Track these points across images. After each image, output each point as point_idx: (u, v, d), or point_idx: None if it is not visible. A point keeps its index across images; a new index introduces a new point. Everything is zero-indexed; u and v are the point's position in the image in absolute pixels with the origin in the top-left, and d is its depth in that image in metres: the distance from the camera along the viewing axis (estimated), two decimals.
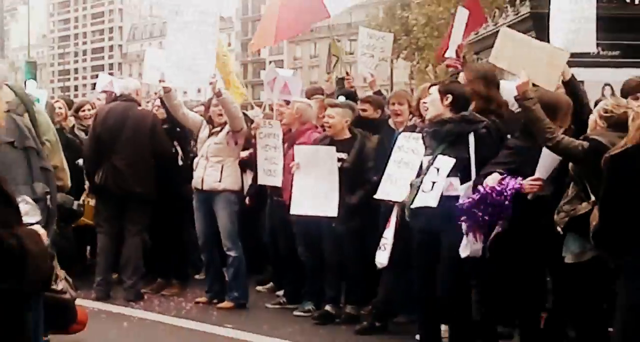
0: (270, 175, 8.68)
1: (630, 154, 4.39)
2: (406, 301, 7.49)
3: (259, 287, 9.98)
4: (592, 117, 5.59)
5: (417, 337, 6.93)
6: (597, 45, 7.71)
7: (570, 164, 5.55)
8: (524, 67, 6.03)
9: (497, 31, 13.11)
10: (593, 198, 5.15)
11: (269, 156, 8.68)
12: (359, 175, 7.98)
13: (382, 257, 7.00)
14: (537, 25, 10.85)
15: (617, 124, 4.93)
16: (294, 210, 8.13)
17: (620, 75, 9.09)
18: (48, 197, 3.97)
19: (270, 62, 68.73)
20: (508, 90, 6.29)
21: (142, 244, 9.40)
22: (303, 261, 8.71)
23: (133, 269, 9.27)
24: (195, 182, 8.98)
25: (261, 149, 8.82)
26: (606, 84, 8.34)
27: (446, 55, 8.30)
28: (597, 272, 5.46)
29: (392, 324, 7.84)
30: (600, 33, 7.36)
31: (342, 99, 8.85)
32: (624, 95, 6.87)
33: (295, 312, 8.73)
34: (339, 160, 8.02)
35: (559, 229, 5.52)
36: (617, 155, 4.46)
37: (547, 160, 5.85)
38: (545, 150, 5.84)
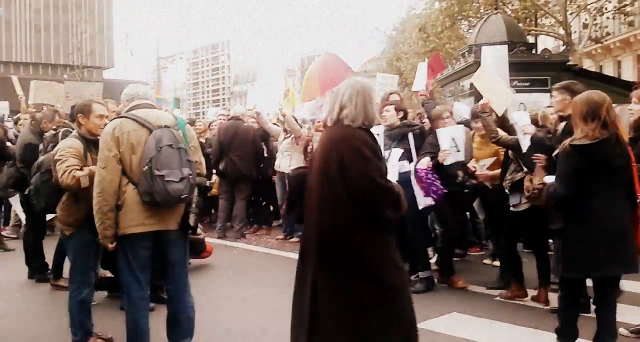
0: None
1: (593, 145, 3.82)
2: None
3: None
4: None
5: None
6: (514, 80, 7.69)
7: (510, 151, 5.60)
8: (489, 93, 5.84)
9: (455, 73, 13.16)
10: (525, 169, 5.26)
11: None
12: None
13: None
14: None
15: (535, 123, 5.23)
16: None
17: (529, 98, 9.12)
18: (190, 177, 3.85)
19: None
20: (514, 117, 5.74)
21: (245, 205, 9.47)
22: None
23: (239, 219, 9.35)
24: (276, 166, 9.15)
25: None
26: (521, 103, 8.31)
27: (416, 89, 8.28)
28: (532, 216, 5.33)
29: None
30: (516, 72, 7.42)
31: None
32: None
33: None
34: None
35: (506, 190, 5.55)
36: (582, 145, 3.84)
37: (443, 138, 5.85)
38: (439, 131, 5.88)
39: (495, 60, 7.10)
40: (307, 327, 3.35)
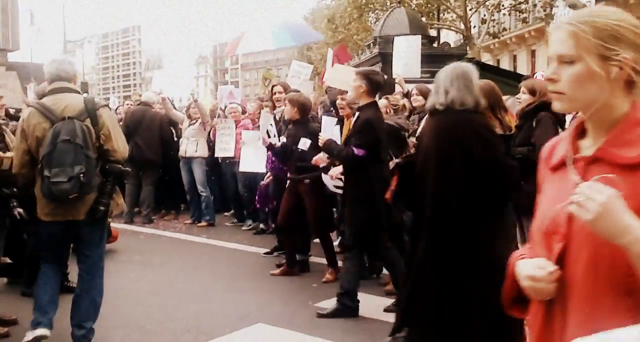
0: (225, 150, 8.70)
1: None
2: None
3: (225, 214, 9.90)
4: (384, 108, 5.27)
5: None
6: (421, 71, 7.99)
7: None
8: (344, 83, 5.92)
9: (361, 63, 13.42)
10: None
11: (224, 140, 8.69)
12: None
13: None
14: (383, 60, 11.16)
15: (396, 110, 4.92)
16: (241, 168, 7.98)
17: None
18: (82, 175, 3.80)
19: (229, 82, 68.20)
20: None
21: (152, 190, 9.36)
22: (243, 195, 8.73)
23: (147, 204, 9.28)
24: (181, 152, 9.03)
25: (219, 136, 8.76)
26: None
27: (324, 80, 8.47)
28: None
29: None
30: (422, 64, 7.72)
31: None
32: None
33: (243, 227, 8.89)
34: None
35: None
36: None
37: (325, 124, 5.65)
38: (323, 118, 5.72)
39: (408, 50, 7.34)
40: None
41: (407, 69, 7.45)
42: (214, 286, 5.77)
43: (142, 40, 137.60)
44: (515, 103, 6.35)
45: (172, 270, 6.42)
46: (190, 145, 8.90)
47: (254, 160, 7.87)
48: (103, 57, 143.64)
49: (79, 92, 4.22)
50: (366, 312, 4.88)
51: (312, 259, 6.50)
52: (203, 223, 9.00)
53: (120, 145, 4.16)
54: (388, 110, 5.79)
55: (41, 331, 4.01)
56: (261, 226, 8.53)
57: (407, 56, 7.47)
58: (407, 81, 7.10)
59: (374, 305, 5.02)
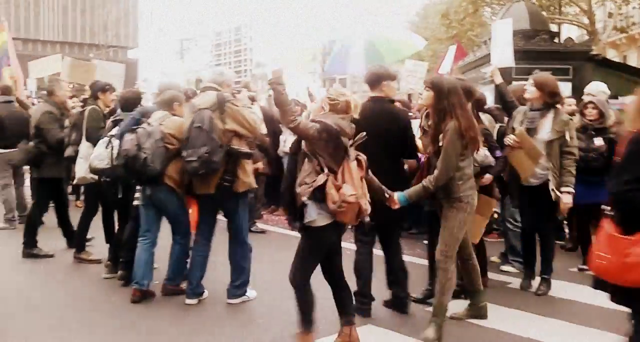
0: None
1: None
2: None
3: None
4: (318, 104, 4.57)
5: None
6: (536, 68, 7.60)
7: (304, 143, 4.03)
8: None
9: (476, 60, 13.06)
10: (326, 170, 3.87)
11: None
12: None
13: None
14: None
15: (340, 108, 4.04)
16: None
17: None
18: (207, 153, 4.92)
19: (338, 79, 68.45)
20: None
21: (263, 185, 9.10)
22: None
23: (257, 199, 9.41)
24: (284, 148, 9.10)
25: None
26: None
27: (443, 71, 8.30)
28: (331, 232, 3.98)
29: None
30: (538, 60, 7.32)
31: None
32: None
33: None
34: None
35: (304, 198, 3.88)
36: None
37: None
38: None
39: (501, 33, 6.99)
40: None
41: (501, 57, 7.08)
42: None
43: (253, 38, 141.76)
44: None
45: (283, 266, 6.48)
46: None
47: None
48: (216, 54, 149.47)
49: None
50: None
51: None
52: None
53: (248, 126, 5.08)
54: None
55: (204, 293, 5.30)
56: None
57: (500, 43, 7.11)
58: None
59: None
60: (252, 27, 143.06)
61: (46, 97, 7.38)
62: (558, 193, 5.28)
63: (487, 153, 5.26)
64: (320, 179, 3.84)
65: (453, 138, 4.27)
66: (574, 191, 5.29)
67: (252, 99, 8.93)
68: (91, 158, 5.77)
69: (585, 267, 6.04)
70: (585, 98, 6.73)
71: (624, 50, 29.08)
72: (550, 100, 5.35)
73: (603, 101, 6.35)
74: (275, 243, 7.61)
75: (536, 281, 5.59)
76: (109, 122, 6.04)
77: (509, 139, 5.37)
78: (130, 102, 6.03)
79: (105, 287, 5.73)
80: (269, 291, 5.46)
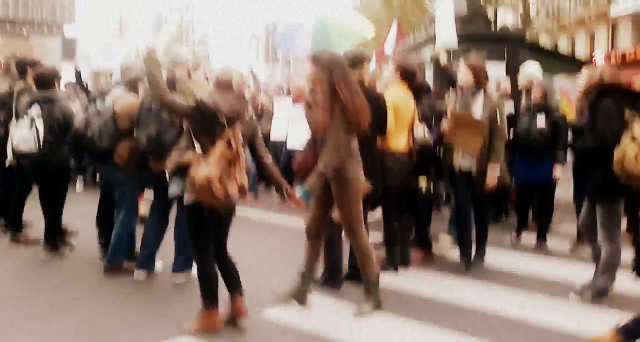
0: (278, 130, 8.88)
1: None
2: None
3: None
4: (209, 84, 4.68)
5: None
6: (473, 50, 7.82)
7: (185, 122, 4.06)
8: None
9: (417, 43, 13.26)
10: (198, 148, 3.87)
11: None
12: None
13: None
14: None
15: (224, 86, 3.94)
16: (290, 145, 8.21)
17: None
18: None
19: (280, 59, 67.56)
20: None
21: None
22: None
23: None
24: None
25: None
26: None
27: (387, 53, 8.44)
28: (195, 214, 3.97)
29: None
30: (475, 42, 7.49)
31: None
32: None
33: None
34: None
35: (167, 174, 4.19)
36: None
37: None
38: None
39: (444, 14, 7.17)
40: None
41: (446, 39, 7.19)
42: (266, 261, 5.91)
43: (194, 19, 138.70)
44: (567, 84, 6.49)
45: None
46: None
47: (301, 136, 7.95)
48: (157, 32, 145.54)
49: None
50: None
51: None
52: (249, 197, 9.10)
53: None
54: None
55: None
56: None
57: (444, 25, 7.25)
58: None
59: None
60: (194, 7, 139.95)
61: None
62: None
63: (426, 132, 5.39)
64: (187, 156, 3.88)
65: (338, 115, 4.17)
66: (498, 170, 5.41)
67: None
68: (15, 141, 5.64)
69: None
70: (525, 79, 6.80)
71: (555, 36, 30.02)
72: (482, 82, 5.48)
73: (548, 82, 6.48)
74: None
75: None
76: (24, 101, 5.85)
77: (446, 122, 5.47)
78: (45, 80, 5.83)
79: (45, 268, 5.65)
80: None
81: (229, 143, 3.78)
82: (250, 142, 4.22)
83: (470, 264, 5.60)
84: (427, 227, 6.04)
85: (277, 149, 9.08)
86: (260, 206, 8.68)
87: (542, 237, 6.45)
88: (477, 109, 5.43)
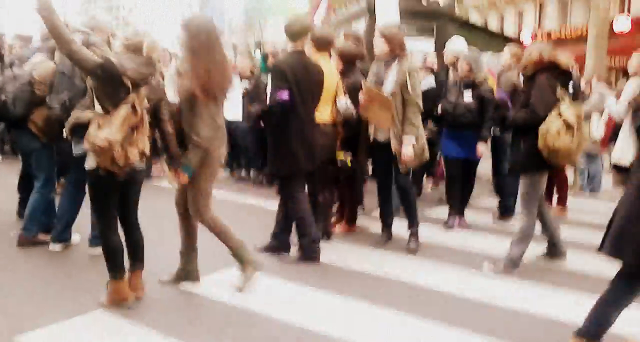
0: None
1: None
2: None
3: None
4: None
5: None
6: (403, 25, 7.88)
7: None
8: None
9: (348, 16, 13.19)
10: (97, 108, 3.72)
11: None
12: (257, 95, 7.78)
13: None
14: (370, 14, 11.00)
15: (132, 48, 3.77)
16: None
17: (415, 44, 9.38)
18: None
19: None
20: None
21: None
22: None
23: None
24: None
25: None
26: None
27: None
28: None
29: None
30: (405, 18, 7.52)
31: None
32: None
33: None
34: (244, 89, 8.08)
35: (65, 133, 4.06)
36: None
37: None
38: None
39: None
40: None
41: (386, 17, 7.21)
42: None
43: None
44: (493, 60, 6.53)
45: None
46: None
47: (229, 108, 7.86)
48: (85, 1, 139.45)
49: None
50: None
51: None
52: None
53: None
54: None
55: None
56: (242, 173, 8.66)
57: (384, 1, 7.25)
58: None
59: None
60: None
61: None
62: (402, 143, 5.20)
63: (349, 103, 5.31)
64: (84, 116, 3.77)
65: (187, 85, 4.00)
66: (414, 142, 5.18)
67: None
68: None
69: (451, 223, 6.35)
70: (451, 54, 6.81)
71: (485, 13, 30.59)
72: (399, 52, 5.26)
73: (475, 56, 6.27)
74: None
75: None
76: None
77: (360, 96, 5.31)
78: None
79: None
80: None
81: (133, 107, 3.62)
82: (155, 109, 3.99)
83: (390, 236, 5.70)
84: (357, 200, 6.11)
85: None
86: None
87: (461, 212, 6.51)
88: (390, 80, 5.25)
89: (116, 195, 3.87)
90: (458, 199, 6.42)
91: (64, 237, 5.10)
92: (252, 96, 7.96)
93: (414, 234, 5.52)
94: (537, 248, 5.17)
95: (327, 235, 5.62)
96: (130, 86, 3.66)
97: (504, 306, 4.18)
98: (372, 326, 3.80)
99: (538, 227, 5.04)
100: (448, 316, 3.95)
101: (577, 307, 3.71)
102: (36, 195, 5.21)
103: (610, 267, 3.34)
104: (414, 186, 6.08)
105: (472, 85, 6.12)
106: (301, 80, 4.83)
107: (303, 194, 5.11)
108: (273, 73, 4.89)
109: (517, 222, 5.10)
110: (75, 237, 5.20)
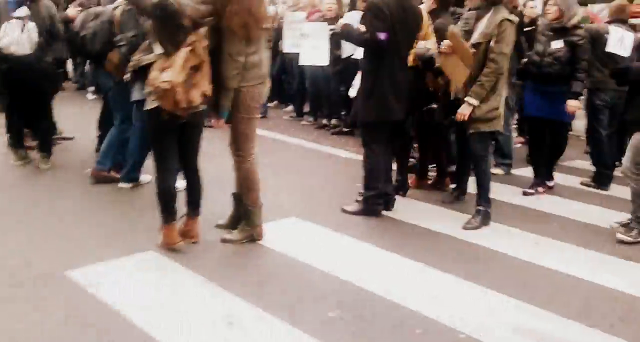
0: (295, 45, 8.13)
1: None
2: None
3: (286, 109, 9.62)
4: None
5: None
6: None
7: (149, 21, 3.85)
8: None
9: None
10: (159, 50, 3.63)
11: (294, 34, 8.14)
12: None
13: (352, 92, 5.68)
14: None
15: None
16: (302, 61, 7.91)
17: None
18: None
19: None
20: None
21: None
22: (309, 92, 8.54)
23: None
24: None
25: (287, 30, 8.32)
26: None
27: None
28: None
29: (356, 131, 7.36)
30: None
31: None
32: None
33: (302, 123, 8.74)
34: (331, 30, 7.50)
35: (126, 76, 4.11)
36: None
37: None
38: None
39: None
40: None
41: None
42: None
43: None
44: None
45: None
46: None
47: (315, 52, 7.61)
48: None
49: None
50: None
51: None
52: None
53: None
54: None
55: None
56: (323, 121, 8.42)
57: None
58: None
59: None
60: None
61: None
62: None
63: (429, 45, 4.87)
64: (146, 58, 3.63)
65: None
66: (476, 103, 4.46)
67: None
68: (4, 42, 5.36)
69: (531, 191, 5.64)
70: None
71: None
72: None
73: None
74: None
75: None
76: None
77: (443, 44, 4.67)
78: None
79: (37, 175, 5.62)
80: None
81: (193, 49, 3.50)
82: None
83: (464, 193, 5.33)
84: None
85: (288, 62, 8.84)
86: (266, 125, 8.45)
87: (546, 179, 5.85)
88: (478, 31, 4.58)
89: (175, 137, 3.80)
90: (543, 165, 5.72)
91: (133, 176, 5.16)
92: (338, 40, 7.59)
93: (479, 212, 4.71)
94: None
95: (404, 190, 5.34)
96: (189, 26, 3.53)
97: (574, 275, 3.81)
98: (425, 287, 3.57)
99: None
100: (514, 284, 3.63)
101: None
102: (113, 131, 5.29)
103: None
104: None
105: (562, 30, 5.26)
106: (398, 22, 4.49)
107: (383, 146, 4.78)
108: (371, 11, 4.55)
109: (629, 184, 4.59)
110: (145, 177, 5.24)
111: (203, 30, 3.61)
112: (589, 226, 4.83)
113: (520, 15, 5.74)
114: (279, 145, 7.29)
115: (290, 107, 9.48)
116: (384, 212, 4.85)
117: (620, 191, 5.63)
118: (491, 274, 3.79)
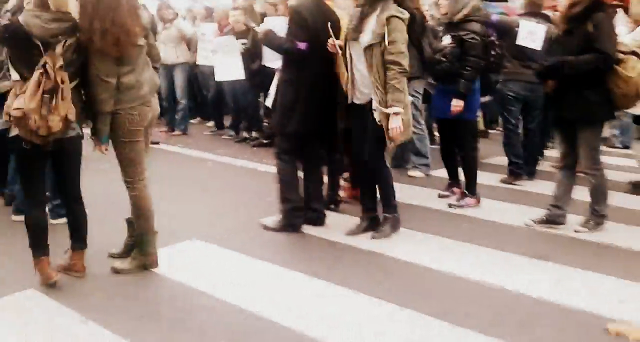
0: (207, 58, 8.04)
1: None
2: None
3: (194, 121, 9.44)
4: None
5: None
6: None
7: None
8: None
9: None
10: (14, 76, 3.43)
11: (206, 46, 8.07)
12: (258, 53, 6.85)
13: (268, 101, 5.57)
14: None
15: (38, 3, 3.32)
16: (218, 77, 7.74)
17: None
18: None
19: None
20: None
21: None
22: (229, 106, 8.34)
23: None
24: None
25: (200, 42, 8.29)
26: None
27: None
28: None
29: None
30: None
31: None
32: None
33: (222, 137, 8.53)
34: (243, 44, 7.44)
35: None
36: None
37: None
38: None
39: None
40: None
41: None
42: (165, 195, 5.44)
43: None
44: None
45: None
46: (170, 51, 8.22)
47: (229, 68, 7.42)
48: None
49: None
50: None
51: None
52: (177, 132, 8.59)
53: None
54: None
55: None
56: (244, 134, 8.20)
57: None
58: None
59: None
60: None
61: None
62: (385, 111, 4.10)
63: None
64: (2, 85, 3.49)
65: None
66: (401, 111, 4.07)
67: None
68: None
69: (446, 193, 5.47)
70: None
71: None
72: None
73: None
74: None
75: None
76: None
77: (329, 43, 4.33)
78: None
79: None
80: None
81: (45, 70, 3.20)
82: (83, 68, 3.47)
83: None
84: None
85: (205, 75, 8.62)
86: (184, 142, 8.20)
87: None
88: (367, 31, 4.19)
89: (43, 166, 3.52)
90: (456, 166, 5.45)
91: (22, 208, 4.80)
92: (252, 54, 7.35)
93: (385, 219, 4.50)
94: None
95: (335, 203, 5.09)
96: (41, 47, 3.23)
97: None
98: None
99: None
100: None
101: None
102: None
103: None
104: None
105: (452, 25, 5.00)
106: (321, 29, 4.27)
107: (296, 157, 4.58)
108: (293, 18, 4.38)
109: (587, 180, 4.54)
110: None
111: (59, 49, 3.29)
112: (503, 225, 4.73)
113: (422, 15, 5.57)
114: (194, 162, 7.03)
115: (211, 123, 9.24)
116: (310, 229, 4.61)
117: (536, 186, 5.55)
118: (390, 283, 3.63)
